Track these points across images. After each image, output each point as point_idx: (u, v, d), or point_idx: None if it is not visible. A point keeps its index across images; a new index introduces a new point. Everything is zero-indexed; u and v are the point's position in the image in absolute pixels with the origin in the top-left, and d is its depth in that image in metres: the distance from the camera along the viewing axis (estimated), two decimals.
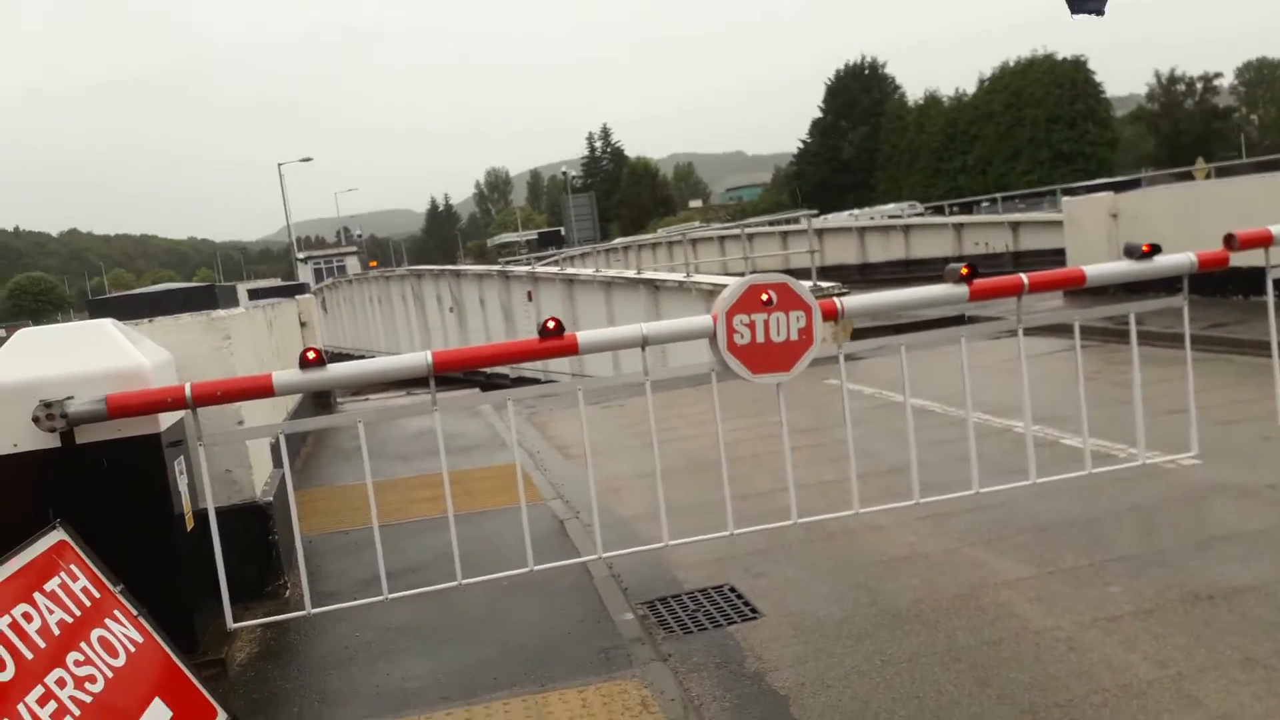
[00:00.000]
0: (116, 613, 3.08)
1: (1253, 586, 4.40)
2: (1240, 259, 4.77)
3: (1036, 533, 5.42)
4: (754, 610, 4.80)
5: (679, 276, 16.45)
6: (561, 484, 7.71)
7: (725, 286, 4.43)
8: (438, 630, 4.86)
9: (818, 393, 9.98)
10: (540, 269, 24.12)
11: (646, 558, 5.46)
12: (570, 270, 22.67)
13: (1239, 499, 5.60)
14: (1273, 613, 4.12)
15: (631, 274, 18.85)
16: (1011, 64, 69.62)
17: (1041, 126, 65.40)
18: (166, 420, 4.58)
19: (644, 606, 4.98)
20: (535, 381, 18.20)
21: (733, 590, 5.09)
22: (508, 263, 30.58)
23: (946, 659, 4.05)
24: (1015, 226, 26.96)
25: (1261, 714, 3.38)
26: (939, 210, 40.92)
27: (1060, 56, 67.47)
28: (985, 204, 37.98)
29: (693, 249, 32.87)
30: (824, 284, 14.07)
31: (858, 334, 12.92)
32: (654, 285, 17.19)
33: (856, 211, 43.98)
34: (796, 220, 36.08)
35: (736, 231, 35.91)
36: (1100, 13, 4.66)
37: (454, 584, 4.27)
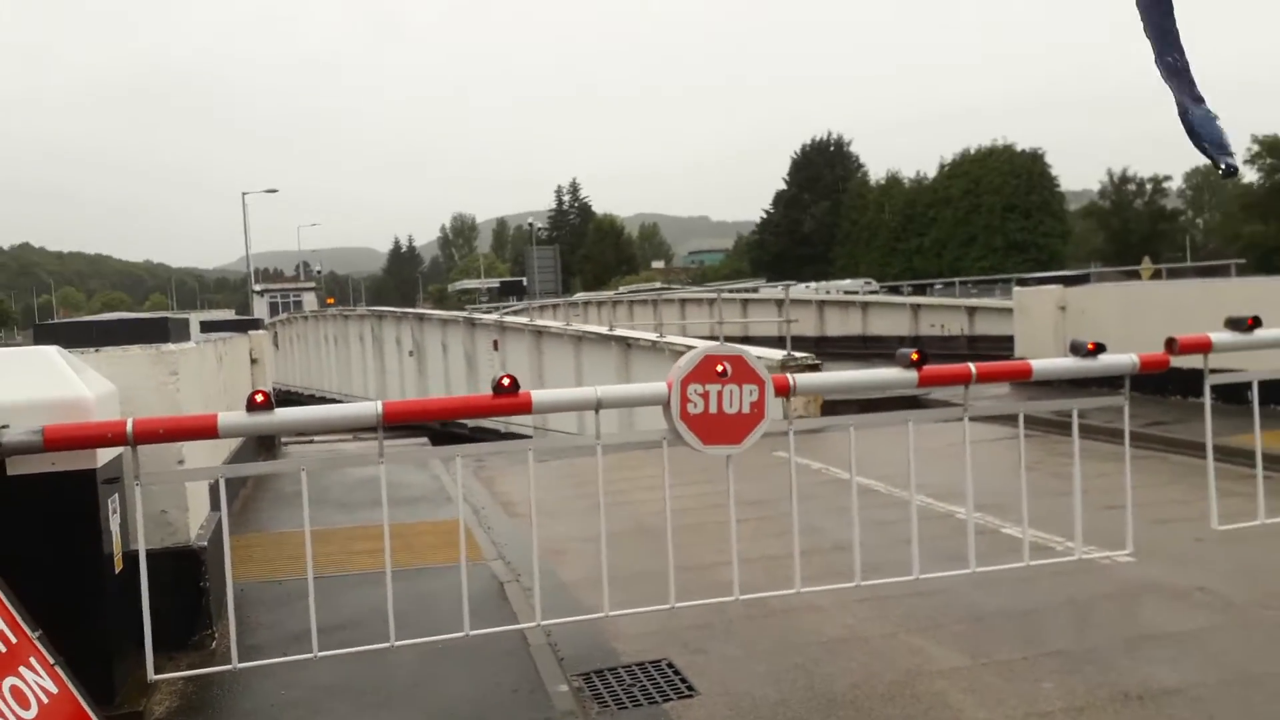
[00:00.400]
0: (32, 660, 2.96)
1: (1180, 689, 4.46)
2: (1181, 359, 4.94)
3: (973, 622, 5.47)
4: (690, 688, 4.75)
5: (652, 336, 16.43)
6: (504, 544, 7.61)
7: (690, 350, 4.46)
8: (367, 692, 4.73)
9: (766, 464, 10.00)
10: (508, 319, 23.95)
11: (585, 626, 5.40)
12: (540, 322, 22.58)
13: (1170, 599, 5.70)
14: (1198, 716, 4.18)
15: (603, 330, 18.77)
16: (972, 151, 71.93)
17: (997, 214, 67.45)
18: (104, 456, 4.47)
19: (580, 678, 4.91)
20: (495, 434, 17.89)
21: (670, 666, 5.04)
22: (474, 310, 30.43)
23: None
24: (971, 311, 27.61)
25: None
26: (895, 289, 41.82)
27: (1019, 148, 69.89)
28: (939, 286, 38.89)
29: (654, 310, 33.12)
30: (798, 354, 14.21)
31: (827, 407, 12.99)
32: (626, 343, 17.09)
33: (814, 285, 44.80)
34: (756, 290, 36.67)
35: (698, 296, 36.40)
36: (1234, 171, 4.88)
37: (387, 645, 4.18)
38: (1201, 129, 4.66)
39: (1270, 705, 4.29)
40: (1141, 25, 4.69)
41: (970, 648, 5.10)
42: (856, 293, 37.90)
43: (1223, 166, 4.70)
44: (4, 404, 4.15)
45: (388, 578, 4.23)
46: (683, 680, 4.84)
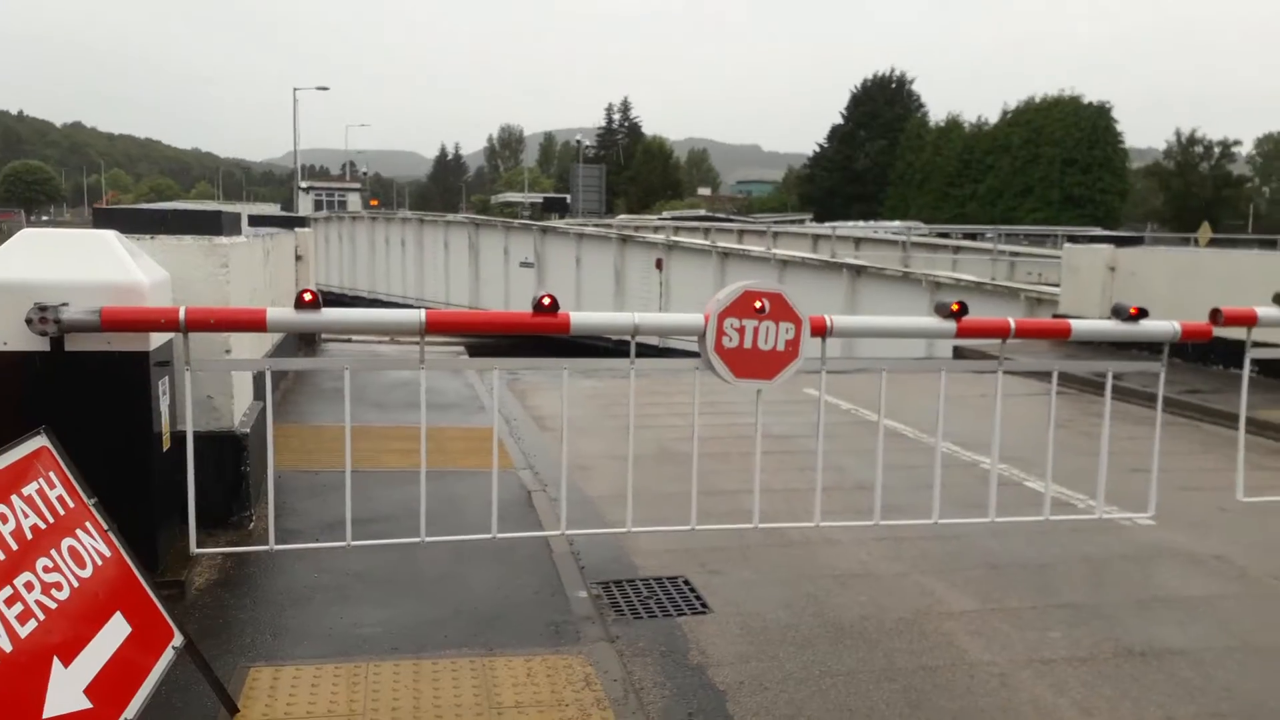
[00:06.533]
0: (88, 524, 3.14)
1: (1185, 650, 4.54)
2: (1225, 330, 4.90)
3: (987, 569, 5.56)
4: (705, 605, 4.91)
5: (899, 267, 15.87)
6: (533, 455, 7.79)
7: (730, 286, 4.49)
8: (395, 582, 4.95)
9: (796, 400, 10.09)
10: (682, 239, 23.38)
11: (607, 539, 5.57)
12: (726, 244, 21.94)
13: (1186, 565, 5.75)
14: (1199, 678, 4.26)
15: (824, 256, 18.24)
16: (1037, 99, 69.70)
17: (1056, 166, 65.58)
18: (156, 340, 4.63)
19: (599, 586, 5.09)
20: (653, 349, 17.07)
21: (687, 583, 5.21)
22: (637, 229, 30.82)
23: (883, 678, 4.18)
24: None
25: None
26: (944, 235, 40.86)
27: (1086, 100, 67.59)
28: (989, 235, 38.05)
29: (705, 238, 32.74)
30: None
31: None
32: (856, 270, 16.35)
33: (866, 223, 43.88)
34: (803, 223, 36.28)
35: (757, 228, 36.65)
36: None
37: (417, 540, 4.36)
38: None
39: (1271, 674, 4.35)
40: None
41: (981, 593, 5.20)
42: (902, 234, 37.09)
43: None
44: (64, 283, 4.30)
45: (422, 476, 4.38)
46: (697, 597, 5.01)
